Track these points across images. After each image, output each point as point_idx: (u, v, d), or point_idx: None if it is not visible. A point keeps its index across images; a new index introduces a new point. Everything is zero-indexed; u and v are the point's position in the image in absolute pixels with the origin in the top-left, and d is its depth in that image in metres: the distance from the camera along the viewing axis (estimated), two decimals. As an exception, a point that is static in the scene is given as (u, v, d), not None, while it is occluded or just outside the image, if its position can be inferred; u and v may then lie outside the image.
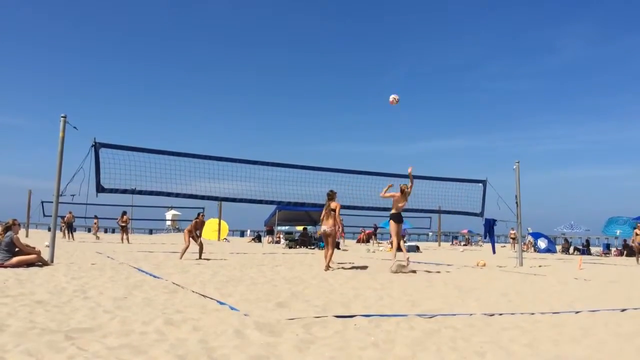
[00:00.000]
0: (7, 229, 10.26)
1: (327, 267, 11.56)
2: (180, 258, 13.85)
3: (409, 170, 12.08)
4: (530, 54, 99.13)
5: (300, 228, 31.12)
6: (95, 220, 31.98)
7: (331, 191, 12.08)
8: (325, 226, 11.75)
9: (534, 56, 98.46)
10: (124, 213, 26.99)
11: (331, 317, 5.41)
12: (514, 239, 33.19)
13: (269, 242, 31.96)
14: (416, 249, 25.66)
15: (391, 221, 11.87)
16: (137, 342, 4.09)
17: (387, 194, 11.99)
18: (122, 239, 25.96)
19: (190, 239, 14.51)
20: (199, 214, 15.34)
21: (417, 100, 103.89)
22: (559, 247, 31.69)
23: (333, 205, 11.77)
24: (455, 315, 5.90)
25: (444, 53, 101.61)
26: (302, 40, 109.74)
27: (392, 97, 12.73)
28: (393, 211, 11.84)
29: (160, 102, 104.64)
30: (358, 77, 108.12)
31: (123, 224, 26.49)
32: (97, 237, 29.59)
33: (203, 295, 6.87)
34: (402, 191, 11.79)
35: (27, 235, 29.00)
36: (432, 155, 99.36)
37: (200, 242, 14.80)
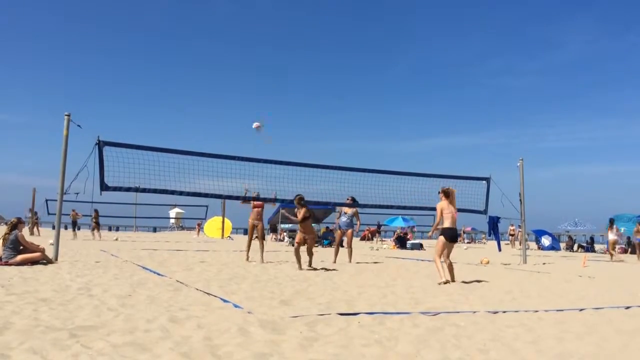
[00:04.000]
0: (13, 227, 10.29)
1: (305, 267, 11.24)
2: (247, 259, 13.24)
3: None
4: (533, 50, 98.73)
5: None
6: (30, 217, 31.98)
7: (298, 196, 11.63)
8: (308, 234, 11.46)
9: (537, 52, 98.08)
10: (96, 211, 27.73)
11: (335, 315, 5.42)
12: (512, 235, 33.05)
13: (273, 240, 31.96)
14: (420, 246, 25.66)
15: (441, 237, 9.46)
16: (141, 340, 4.11)
17: (436, 222, 9.72)
18: (93, 235, 27.23)
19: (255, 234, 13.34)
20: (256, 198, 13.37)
21: (419, 97, 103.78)
22: (563, 245, 31.63)
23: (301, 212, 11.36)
24: (458, 312, 5.90)
25: (446, 49, 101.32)
26: (302, 38, 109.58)
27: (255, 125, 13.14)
28: (446, 225, 9.35)
29: (164, 101, 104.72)
30: (359, 74, 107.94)
31: (94, 221, 27.84)
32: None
33: (207, 293, 6.89)
34: (446, 194, 9.53)
35: (31, 234, 29.08)
36: (435, 152, 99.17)
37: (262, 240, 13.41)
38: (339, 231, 14.06)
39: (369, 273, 10.71)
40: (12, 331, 4.26)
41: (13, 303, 5.64)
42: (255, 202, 13.25)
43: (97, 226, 27.81)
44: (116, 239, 26.44)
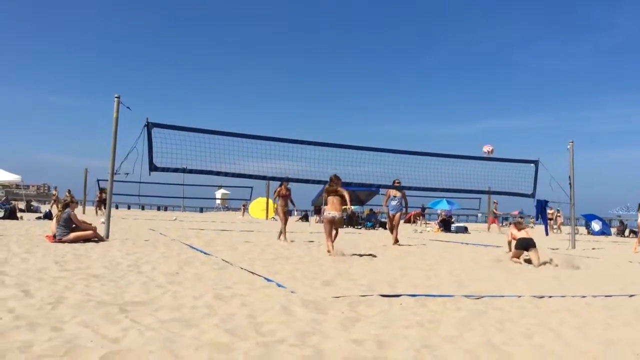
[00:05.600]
0: (66, 206, 10.67)
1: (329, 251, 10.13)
2: (279, 238, 13.96)
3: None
4: (585, 31, 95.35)
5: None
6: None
7: (335, 176, 10.99)
8: (334, 211, 10.43)
9: (588, 33, 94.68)
10: (102, 189, 29.35)
11: (377, 296, 5.43)
12: (550, 219, 31.56)
13: (316, 222, 32.09)
14: (464, 229, 25.38)
15: (515, 246, 9.99)
16: (187, 316, 4.22)
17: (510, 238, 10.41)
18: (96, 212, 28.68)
19: (284, 214, 14.21)
20: (281, 183, 14.14)
21: (467, 80, 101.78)
22: (614, 230, 30.74)
23: (342, 191, 10.61)
24: (503, 296, 5.83)
25: (496, 31, 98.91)
26: (347, 23, 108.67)
27: (487, 148, 13.77)
28: (519, 236, 9.97)
29: (211, 85, 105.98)
30: (406, 58, 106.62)
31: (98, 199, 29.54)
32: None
33: (251, 272, 7.00)
34: (518, 226, 10.31)
35: (83, 212, 30.06)
36: (482, 135, 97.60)
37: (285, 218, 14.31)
38: (390, 214, 14.04)
39: (412, 256, 10.67)
40: (65, 305, 4.44)
41: (66, 279, 5.87)
42: (283, 192, 14.15)
43: (100, 204, 29.11)
44: (175, 219, 27.32)
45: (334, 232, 10.52)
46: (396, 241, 13.70)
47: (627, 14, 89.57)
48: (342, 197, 10.58)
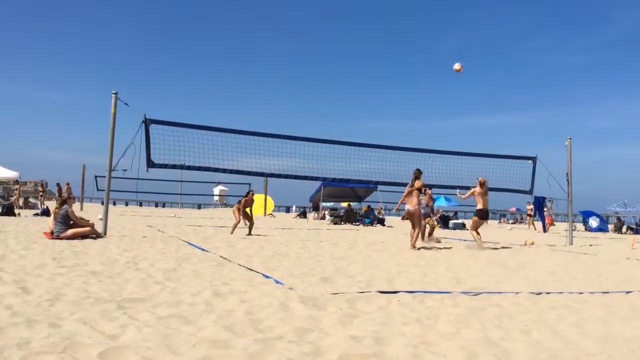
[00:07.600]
0: (63, 202, 10.66)
1: (413, 246, 11.31)
2: (231, 233, 14.10)
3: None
4: (583, 26, 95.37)
5: (345, 204, 31.17)
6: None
7: (417, 170, 11.66)
8: (409, 205, 11.44)
9: (587, 28, 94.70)
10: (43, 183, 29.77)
11: (375, 293, 5.44)
12: (530, 215, 30.36)
13: (314, 218, 32.12)
14: (462, 226, 25.40)
15: (475, 217, 12.11)
16: (186, 312, 4.22)
17: (467, 194, 12.36)
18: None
19: (240, 215, 14.58)
20: (248, 192, 15.09)
21: (465, 74, 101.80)
22: (611, 226, 30.79)
23: (418, 184, 11.42)
24: (501, 293, 5.84)
25: (492, 25, 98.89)
26: (346, 11, 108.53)
27: (457, 66, 13.37)
28: (479, 207, 11.92)
29: (208, 79, 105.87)
30: (402, 52, 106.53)
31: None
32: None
33: (249, 269, 7.00)
34: (481, 184, 11.87)
35: (81, 209, 30.01)
36: (480, 130, 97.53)
37: (251, 219, 14.82)
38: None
39: (410, 252, 10.69)
40: (63, 302, 4.44)
41: (64, 275, 5.86)
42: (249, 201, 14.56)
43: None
44: (174, 215, 27.33)
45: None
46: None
47: (627, 7, 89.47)
48: (416, 190, 11.36)
